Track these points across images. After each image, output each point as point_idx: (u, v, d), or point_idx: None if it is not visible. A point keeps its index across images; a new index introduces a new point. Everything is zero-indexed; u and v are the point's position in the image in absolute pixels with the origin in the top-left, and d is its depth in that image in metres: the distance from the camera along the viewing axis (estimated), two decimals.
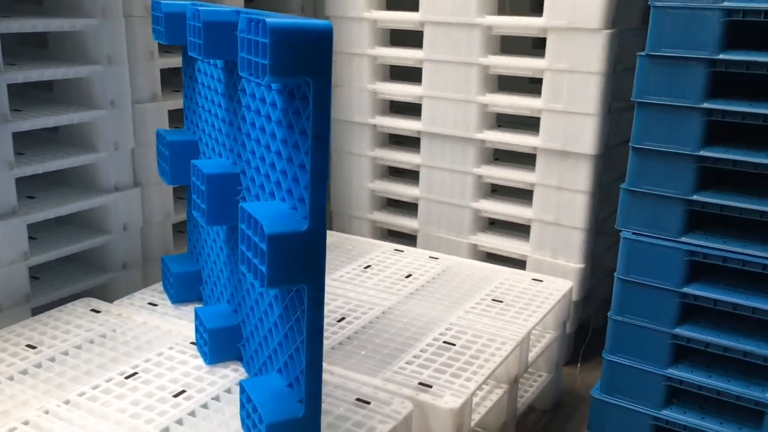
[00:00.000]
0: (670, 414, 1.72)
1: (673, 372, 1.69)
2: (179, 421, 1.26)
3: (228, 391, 1.37)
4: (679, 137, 1.58)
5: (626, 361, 1.75)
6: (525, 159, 2.12)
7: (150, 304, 1.71)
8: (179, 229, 2.08)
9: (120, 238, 1.87)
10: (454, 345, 1.56)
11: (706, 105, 1.54)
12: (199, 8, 1.27)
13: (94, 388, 1.36)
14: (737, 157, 1.53)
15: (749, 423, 1.64)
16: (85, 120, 1.74)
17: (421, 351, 1.53)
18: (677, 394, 1.73)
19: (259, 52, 1.00)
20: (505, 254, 2.15)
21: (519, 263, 2.13)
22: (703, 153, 1.57)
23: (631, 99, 1.63)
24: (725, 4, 1.47)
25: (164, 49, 1.94)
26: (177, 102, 1.95)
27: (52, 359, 1.46)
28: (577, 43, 1.86)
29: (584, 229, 2.00)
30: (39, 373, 1.41)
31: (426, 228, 2.26)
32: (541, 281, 1.89)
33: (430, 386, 1.40)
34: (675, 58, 1.55)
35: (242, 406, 1.22)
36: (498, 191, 2.23)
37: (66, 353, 1.49)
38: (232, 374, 1.41)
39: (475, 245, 2.19)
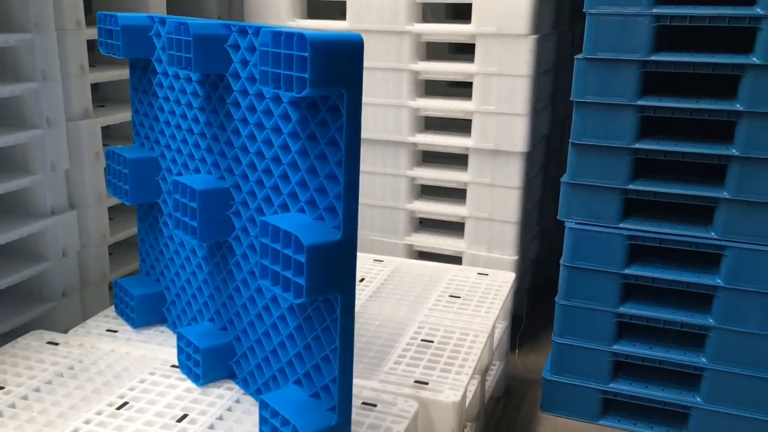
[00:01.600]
0: (617, 387, 1.87)
1: (618, 348, 1.85)
2: None
3: (229, 409, 1.34)
4: (615, 132, 1.73)
5: (575, 342, 1.88)
6: (452, 160, 2.21)
7: (109, 331, 1.63)
8: (110, 251, 1.99)
9: (59, 264, 1.77)
10: (432, 342, 1.61)
11: (639, 102, 1.69)
12: (189, 22, 1.24)
13: (87, 422, 1.29)
14: (667, 148, 1.70)
15: (689, 386, 1.82)
16: (21, 141, 1.63)
17: (404, 351, 1.57)
18: (622, 368, 1.89)
19: (294, 65, 1.00)
20: (440, 252, 2.23)
21: (454, 260, 2.22)
22: (637, 146, 1.72)
23: (571, 99, 1.76)
24: (654, 10, 1.63)
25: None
26: (109, 118, 1.86)
27: (25, 398, 1.36)
28: (506, 48, 1.97)
29: (516, 222, 2.12)
30: (18, 413, 1.31)
31: (361, 232, 2.30)
32: (487, 275, 1.98)
33: (426, 383, 1.44)
34: (610, 61, 1.69)
35: (264, 421, 1.21)
36: (426, 192, 2.31)
37: (38, 390, 1.39)
38: (228, 393, 1.39)
39: (411, 245, 2.26)
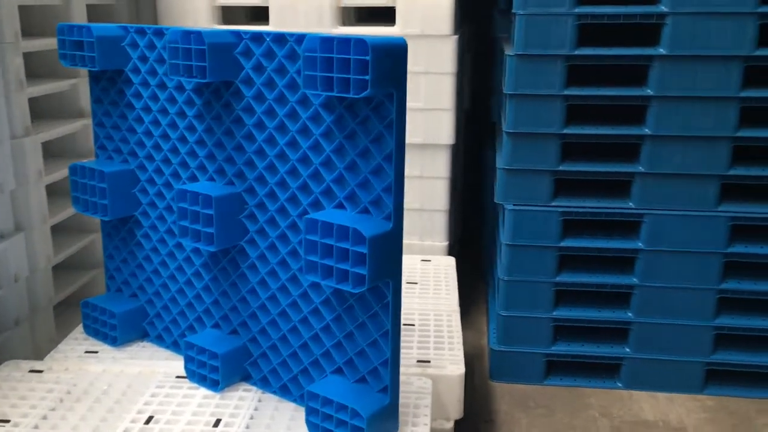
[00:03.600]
0: (558, 349, 2.08)
1: (557, 314, 2.05)
2: None
3: (256, 409, 1.37)
4: (545, 120, 1.93)
5: (518, 313, 2.07)
6: None
7: (88, 352, 1.58)
8: None
9: (12, 291, 1.67)
10: (413, 325, 1.72)
11: (565, 92, 1.90)
12: (201, 32, 1.25)
13: None
14: (591, 132, 1.93)
15: (619, 340, 2.07)
16: None
17: None
18: (561, 332, 2.10)
19: (352, 68, 1.07)
20: None
21: None
22: (565, 131, 1.93)
23: (504, 92, 1.94)
24: (576, 10, 1.84)
25: None
26: (49, 134, 1.78)
27: (37, 427, 1.31)
28: (430, 48, 2.11)
29: (445, 210, 2.27)
30: None
31: None
32: (430, 260, 2.12)
33: (428, 361, 1.55)
34: (539, 56, 1.89)
35: (312, 411, 1.26)
36: None
37: (46, 418, 1.34)
38: (248, 394, 1.41)
39: None
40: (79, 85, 1.93)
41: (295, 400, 1.38)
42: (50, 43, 1.80)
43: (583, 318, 2.05)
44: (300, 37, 1.21)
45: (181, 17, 2.20)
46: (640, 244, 1.97)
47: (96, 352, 1.58)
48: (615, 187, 2.02)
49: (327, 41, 1.09)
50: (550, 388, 2.08)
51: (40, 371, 1.49)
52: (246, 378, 1.45)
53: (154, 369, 1.50)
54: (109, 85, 1.53)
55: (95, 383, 1.45)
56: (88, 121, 1.95)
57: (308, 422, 1.27)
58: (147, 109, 1.48)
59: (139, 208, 1.55)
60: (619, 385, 2.08)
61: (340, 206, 1.23)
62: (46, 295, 1.81)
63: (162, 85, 1.44)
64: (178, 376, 1.47)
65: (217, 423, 1.31)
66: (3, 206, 1.65)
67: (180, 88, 1.41)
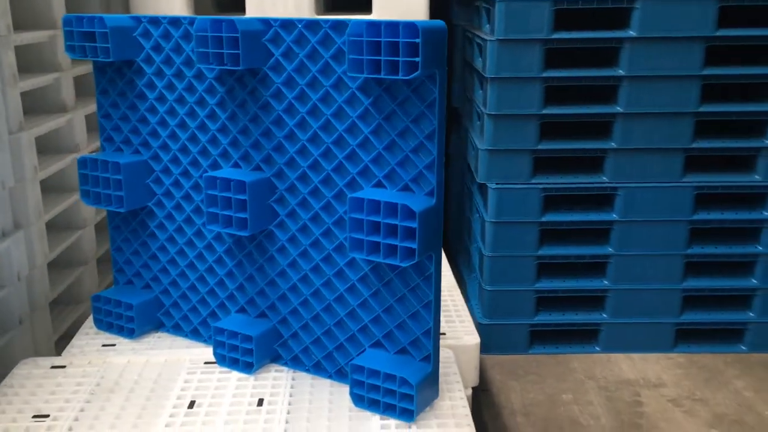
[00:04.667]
0: (541, 319, 2.19)
1: (540, 285, 2.17)
2: (303, 419, 1.29)
3: (292, 387, 1.41)
4: (525, 102, 2.03)
5: (503, 287, 2.17)
6: None
7: (105, 345, 1.57)
8: None
9: (15, 290, 1.64)
10: None
11: (543, 74, 2.00)
12: (233, 19, 1.27)
13: (169, 426, 1.28)
14: (568, 111, 2.04)
15: (597, 307, 2.20)
16: None
17: None
18: (543, 302, 2.21)
19: (401, 51, 1.13)
20: None
21: None
22: (544, 112, 2.04)
23: (486, 76, 2.02)
24: None
25: None
26: (40, 128, 1.75)
27: (77, 419, 1.31)
28: None
29: None
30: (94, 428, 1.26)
31: None
32: None
33: (444, 333, 1.62)
34: (518, 41, 1.98)
35: (357, 384, 1.31)
36: None
37: (83, 410, 1.34)
38: (281, 374, 1.45)
39: None
40: (62, 80, 1.90)
41: (330, 376, 1.42)
42: (33, 36, 1.76)
43: (563, 288, 2.16)
44: (336, 23, 1.26)
45: (154, 6, 2.18)
46: (615, 215, 2.10)
47: (113, 345, 1.57)
48: (590, 163, 2.14)
49: (374, 26, 1.14)
50: (536, 357, 2.19)
51: (63, 366, 1.48)
52: (275, 359, 1.48)
53: (178, 357, 1.51)
54: (116, 76, 1.53)
55: (124, 374, 1.45)
56: (72, 115, 1.92)
57: (353, 395, 1.32)
58: (161, 99, 1.48)
59: (153, 198, 1.55)
60: (597, 348, 2.22)
61: (379, 185, 1.28)
62: (43, 293, 1.78)
63: (179, 74, 1.45)
64: (206, 362, 1.49)
65: (260, 403, 1.35)
66: (2, 204, 1.61)
67: (199, 76, 1.42)
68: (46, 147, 1.93)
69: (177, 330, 1.61)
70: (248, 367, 1.44)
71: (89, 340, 1.60)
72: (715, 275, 2.18)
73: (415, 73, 1.12)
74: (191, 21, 1.40)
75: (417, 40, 1.11)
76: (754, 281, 2.16)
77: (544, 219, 2.11)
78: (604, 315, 2.19)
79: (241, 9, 2.21)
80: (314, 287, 1.40)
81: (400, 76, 1.13)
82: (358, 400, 1.32)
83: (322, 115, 1.31)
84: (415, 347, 1.32)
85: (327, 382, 1.42)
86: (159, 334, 1.63)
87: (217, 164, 1.45)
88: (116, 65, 1.52)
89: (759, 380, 2.07)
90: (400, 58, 1.13)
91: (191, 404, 1.34)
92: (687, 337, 2.22)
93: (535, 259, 2.14)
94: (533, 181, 2.09)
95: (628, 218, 2.10)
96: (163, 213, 1.55)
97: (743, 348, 2.21)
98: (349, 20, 1.18)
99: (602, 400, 1.97)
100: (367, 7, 2.19)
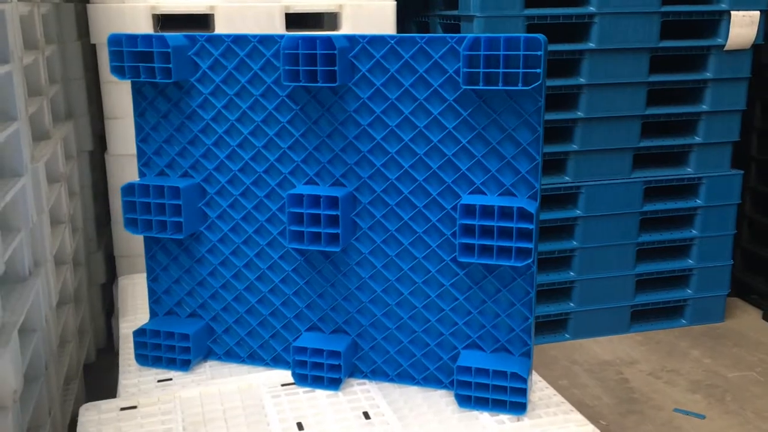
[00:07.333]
0: None
1: None
2: (416, 425, 1.31)
3: (384, 396, 1.42)
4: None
5: None
6: None
7: (161, 381, 1.49)
8: None
9: (41, 330, 1.51)
10: None
11: (525, 12, 2.12)
12: (330, 36, 1.28)
13: None
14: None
15: (564, 299, 2.37)
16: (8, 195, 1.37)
17: None
18: None
19: (522, 63, 1.21)
20: None
21: None
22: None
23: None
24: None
25: None
26: None
27: None
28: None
29: None
30: None
31: None
32: None
33: None
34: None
35: (463, 385, 1.36)
36: None
37: None
38: (365, 386, 1.45)
39: None
40: None
41: (417, 383, 1.45)
42: None
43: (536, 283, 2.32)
44: (432, 39, 1.30)
45: (119, 25, 2.07)
46: (578, 212, 2.30)
47: (170, 379, 1.49)
48: (555, 166, 2.32)
49: (493, 40, 1.21)
50: None
51: (134, 407, 1.39)
52: (352, 373, 1.49)
53: (249, 383, 1.47)
54: (160, 98, 1.46)
55: (206, 407, 1.39)
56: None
57: (458, 396, 1.37)
58: (219, 119, 1.44)
59: (206, 222, 1.50)
60: (567, 336, 2.40)
61: (478, 192, 1.34)
62: (57, 334, 1.64)
63: (242, 93, 1.42)
64: (283, 384, 1.46)
65: (366, 416, 1.35)
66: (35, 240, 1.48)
67: (266, 94, 1.40)
68: None
69: (230, 357, 1.56)
70: (335, 384, 1.43)
71: (139, 377, 1.50)
72: (658, 260, 2.45)
73: (536, 83, 1.21)
74: (262, 39, 1.38)
75: (539, 53, 1.20)
76: (691, 261, 2.45)
77: None
78: (572, 304, 2.37)
79: (187, 26, 2.15)
80: (400, 297, 1.43)
81: (520, 87, 1.21)
82: (464, 401, 1.37)
83: (414, 127, 1.35)
84: (513, 343, 1.39)
85: (414, 389, 1.45)
86: (210, 363, 1.56)
87: (288, 182, 1.43)
88: (160, 87, 1.46)
89: (709, 349, 2.35)
90: (521, 70, 1.21)
91: (299, 425, 1.32)
92: (639, 318, 2.46)
93: None
94: None
95: (590, 214, 2.30)
96: (217, 236, 1.50)
97: (684, 322, 2.50)
98: (469, 36, 1.24)
99: (595, 382, 2.14)
100: (322, 26, 2.23)
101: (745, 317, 2.58)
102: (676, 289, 2.48)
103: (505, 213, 1.27)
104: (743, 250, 2.72)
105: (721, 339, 2.40)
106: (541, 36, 1.20)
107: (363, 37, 1.34)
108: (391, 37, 1.33)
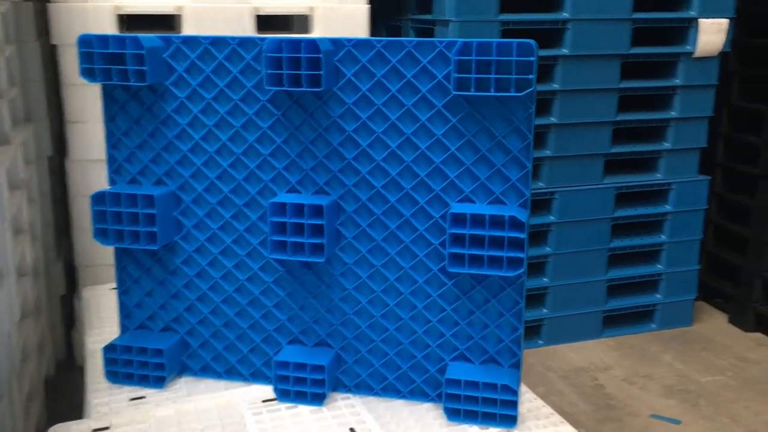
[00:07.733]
0: None
1: None
2: None
3: (369, 411, 1.38)
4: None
5: None
6: None
7: (134, 399, 1.42)
8: None
9: (4, 345, 1.42)
10: None
11: (500, 18, 2.11)
12: (315, 39, 1.23)
13: None
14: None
15: (538, 305, 2.36)
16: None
17: None
18: None
19: (514, 69, 1.18)
20: None
21: None
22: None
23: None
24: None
25: None
26: None
27: None
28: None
29: None
30: None
31: None
32: None
33: None
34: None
35: (452, 398, 1.32)
36: None
37: None
38: (349, 401, 1.41)
39: None
40: None
41: (403, 396, 1.41)
42: None
43: None
44: (420, 43, 1.27)
45: (81, 25, 1.98)
46: (552, 217, 2.29)
47: (143, 397, 1.43)
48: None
49: (485, 45, 1.18)
50: None
51: (106, 428, 1.32)
52: (335, 387, 1.44)
53: (228, 400, 1.41)
54: (132, 102, 1.39)
55: (183, 425, 1.33)
56: None
57: (447, 410, 1.33)
58: (195, 124, 1.38)
59: (181, 232, 1.43)
60: (541, 342, 2.39)
61: (467, 200, 1.31)
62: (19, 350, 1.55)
63: (220, 97, 1.36)
64: (264, 400, 1.41)
65: (353, 431, 1.31)
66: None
67: (246, 99, 1.35)
68: None
69: (207, 372, 1.49)
70: (318, 399, 1.38)
71: (110, 396, 1.43)
72: (629, 265, 2.45)
73: (528, 89, 1.18)
74: (242, 42, 1.33)
75: (531, 59, 1.17)
76: (660, 266, 2.46)
77: None
78: (545, 310, 2.36)
79: (153, 28, 2.08)
80: (386, 308, 1.38)
81: (512, 93, 1.18)
82: (454, 414, 1.33)
83: (401, 134, 1.31)
84: (502, 355, 1.36)
85: (399, 402, 1.41)
86: (185, 378, 1.50)
87: (268, 191, 1.38)
88: (132, 90, 1.39)
89: (680, 353, 2.36)
90: (513, 76, 1.18)
91: None
92: (611, 323, 2.46)
93: None
94: None
95: (564, 219, 2.29)
96: (193, 247, 1.44)
97: (653, 326, 2.51)
98: (461, 40, 1.20)
99: (570, 389, 2.13)
100: (291, 28, 2.18)
101: (712, 321, 2.60)
102: (646, 293, 2.50)
103: (496, 222, 1.24)
104: (708, 255, 2.76)
105: (689, 343, 2.42)
106: (532, 41, 1.18)
107: (349, 40, 1.29)
108: (378, 40, 1.29)
